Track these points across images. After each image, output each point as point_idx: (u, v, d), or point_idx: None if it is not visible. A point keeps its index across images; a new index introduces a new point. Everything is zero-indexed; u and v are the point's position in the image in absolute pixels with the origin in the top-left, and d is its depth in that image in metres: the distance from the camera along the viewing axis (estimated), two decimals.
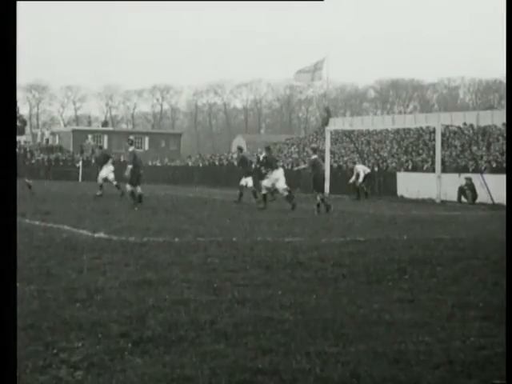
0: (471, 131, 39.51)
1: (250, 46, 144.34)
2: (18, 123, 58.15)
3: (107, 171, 27.03)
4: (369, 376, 4.60)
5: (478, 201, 27.10)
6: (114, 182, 26.55)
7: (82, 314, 6.13)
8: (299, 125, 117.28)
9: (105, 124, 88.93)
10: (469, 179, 27.97)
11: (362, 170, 31.11)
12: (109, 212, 17.64)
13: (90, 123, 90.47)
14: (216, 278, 8.06)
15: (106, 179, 26.60)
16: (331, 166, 34.62)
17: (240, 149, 29.27)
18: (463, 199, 27.81)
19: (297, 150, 48.48)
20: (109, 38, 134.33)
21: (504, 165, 27.58)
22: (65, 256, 9.56)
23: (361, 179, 30.61)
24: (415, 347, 5.27)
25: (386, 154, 39.43)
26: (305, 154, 45.67)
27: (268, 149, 23.31)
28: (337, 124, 53.97)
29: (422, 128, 42.24)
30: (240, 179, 24.74)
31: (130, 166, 20.88)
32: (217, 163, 48.31)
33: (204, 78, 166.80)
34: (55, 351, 5.03)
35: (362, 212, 20.74)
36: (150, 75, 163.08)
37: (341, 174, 35.76)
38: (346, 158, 40.47)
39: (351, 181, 30.83)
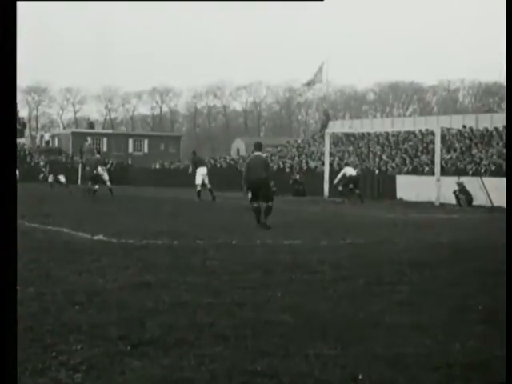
0: (471, 134, 39.54)
1: (250, 48, 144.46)
2: (18, 126, 58.17)
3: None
4: (368, 379, 4.60)
5: (477, 204, 27.14)
6: (209, 186, 27.64)
7: (81, 316, 6.13)
8: (299, 127, 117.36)
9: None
10: (460, 184, 28.08)
11: (343, 172, 30.98)
12: (108, 214, 17.65)
13: (92, 125, 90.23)
14: (215, 281, 8.07)
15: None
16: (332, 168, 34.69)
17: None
18: (461, 202, 27.91)
19: (296, 153, 48.49)
20: (108, 41, 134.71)
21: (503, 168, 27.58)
22: (64, 258, 9.56)
23: (336, 181, 30.72)
24: (414, 350, 5.27)
25: (385, 157, 39.45)
26: (303, 156, 45.72)
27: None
28: (336, 127, 53.98)
29: (421, 131, 42.28)
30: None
31: None
32: (219, 165, 48.23)
33: (203, 80, 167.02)
34: (54, 354, 5.02)
35: (362, 215, 20.76)
36: (149, 78, 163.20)
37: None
38: (345, 161, 40.50)
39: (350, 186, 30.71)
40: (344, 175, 30.28)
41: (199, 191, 27.42)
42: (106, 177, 28.43)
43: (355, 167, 33.51)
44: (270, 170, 16.71)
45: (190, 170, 29.48)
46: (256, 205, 15.39)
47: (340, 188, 30.48)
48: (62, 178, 31.72)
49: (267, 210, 15.24)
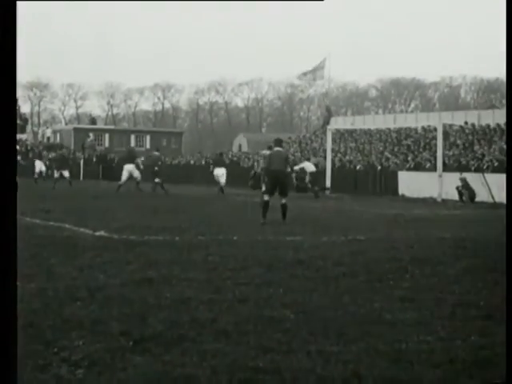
0: (473, 130, 39.49)
1: (251, 44, 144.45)
2: (20, 121, 58.13)
3: None
4: (370, 375, 4.59)
5: (479, 200, 27.12)
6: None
7: (82, 312, 6.13)
8: (300, 123, 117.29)
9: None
10: (463, 179, 28.08)
11: (302, 165, 31.26)
12: (110, 210, 17.65)
13: (94, 121, 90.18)
14: (217, 277, 8.06)
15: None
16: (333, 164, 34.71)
17: None
18: (464, 198, 27.92)
19: (299, 149, 48.46)
20: (110, 36, 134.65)
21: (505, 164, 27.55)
22: (66, 254, 9.56)
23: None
24: (416, 346, 5.27)
25: (387, 153, 39.43)
26: (306, 152, 45.70)
27: None
28: (338, 123, 53.94)
29: (423, 127, 42.23)
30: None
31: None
32: None
33: (205, 76, 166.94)
34: (56, 350, 5.02)
35: (363, 211, 20.74)
36: (151, 73, 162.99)
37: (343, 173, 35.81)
38: (347, 157, 40.51)
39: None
40: (303, 169, 30.67)
41: (221, 188, 29.36)
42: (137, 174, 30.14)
43: (317, 163, 33.43)
44: (290, 164, 17.93)
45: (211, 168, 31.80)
46: (267, 199, 15.48)
47: (295, 182, 31.01)
48: (66, 173, 32.58)
49: (284, 209, 15.43)
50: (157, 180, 29.03)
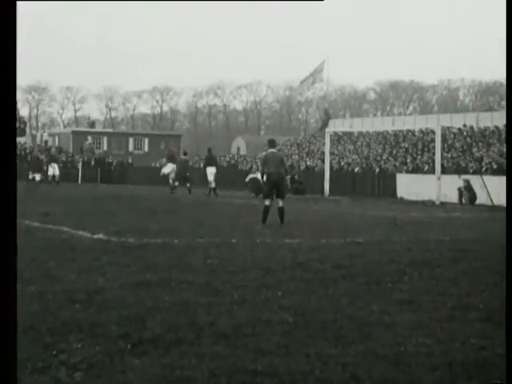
0: (471, 133, 39.53)
1: (250, 47, 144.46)
2: (18, 124, 58.08)
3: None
4: (368, 378, 4.59)
5: (477, 202, 27.13)
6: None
7: (81, 315, 6.12)
8: (299, 126, 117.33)
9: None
10: (466, 181, 28.09)
11: (254, 176, 31.51)
12: (108, 213, 17.64)
13: (92, 124, 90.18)
14: (215, 280, 8.06)
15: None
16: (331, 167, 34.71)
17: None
18: (463, 200, 27.93)
19: (297, 151, 48.49)
20: (108, 40, 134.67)
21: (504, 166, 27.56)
22: (64, 257, 9.56)
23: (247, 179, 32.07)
24: (415, 349, 5.27)
25: (385, 156, 39.44)
26: (304, 155, 45.73)
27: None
28: (336, 125, 53.97)
29: (421, 129, 42.27)
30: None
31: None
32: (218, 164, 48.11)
33: (204, 79, 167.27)
34: (54, 352, 5.02)
35: (362, 213, 20.75)
36: (149, 77, 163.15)
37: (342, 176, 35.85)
38: (346, 160, 40.53)
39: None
40: (255, 178, 30.51)
41: (210, 189, 29.43)
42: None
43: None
44: (286, 166, 17.25)
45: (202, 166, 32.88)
46: (267, 203, 15.35)
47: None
48: (37, 177, 32.52)
49: (281, 212, 15.36)
50: (188, 185, 30.14)
